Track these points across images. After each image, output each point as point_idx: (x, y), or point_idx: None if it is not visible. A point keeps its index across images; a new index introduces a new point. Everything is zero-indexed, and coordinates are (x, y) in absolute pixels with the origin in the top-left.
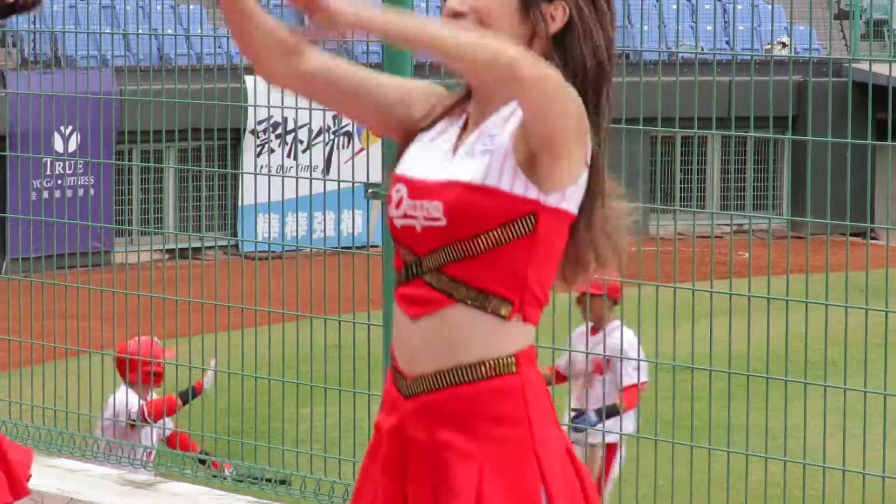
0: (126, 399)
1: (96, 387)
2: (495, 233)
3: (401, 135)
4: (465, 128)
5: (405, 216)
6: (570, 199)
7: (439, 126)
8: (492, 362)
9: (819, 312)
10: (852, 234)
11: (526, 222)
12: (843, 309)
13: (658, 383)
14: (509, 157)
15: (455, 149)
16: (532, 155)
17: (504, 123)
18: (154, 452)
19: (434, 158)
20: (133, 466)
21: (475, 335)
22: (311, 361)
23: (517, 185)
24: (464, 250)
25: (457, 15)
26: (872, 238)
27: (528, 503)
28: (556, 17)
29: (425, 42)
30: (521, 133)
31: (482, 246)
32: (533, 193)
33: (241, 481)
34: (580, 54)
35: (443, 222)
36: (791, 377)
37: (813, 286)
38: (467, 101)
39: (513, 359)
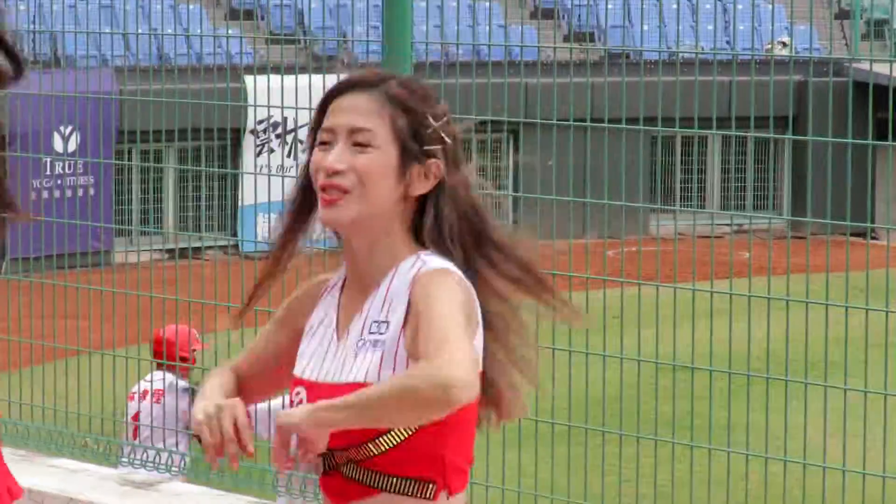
0: (175, 379)
1: (96, 387)
2: (401, 427)
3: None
4: (341, 301)
5: None
6: None
7: (317, 311)
8: None
9: (819, 312)
10: (853, 234)
11: None
12: (843, 309)
13: (658, 383)
14: (401, 350)
15: (339, 336)
16: None
17: (387, 304)
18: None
19: (324, 353)
20: (163, 472)
21: None
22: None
23: None
24: (376, 447)
25: (335, 173)
26: (873, 238)
27: None
28: (430, 176)
29: (390, 401)
30: (415, 339)
31: (392, 441)
32: None
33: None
34: (446, 210)
35: None
36: (791, 377)
37: (813, 286)
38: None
39: None
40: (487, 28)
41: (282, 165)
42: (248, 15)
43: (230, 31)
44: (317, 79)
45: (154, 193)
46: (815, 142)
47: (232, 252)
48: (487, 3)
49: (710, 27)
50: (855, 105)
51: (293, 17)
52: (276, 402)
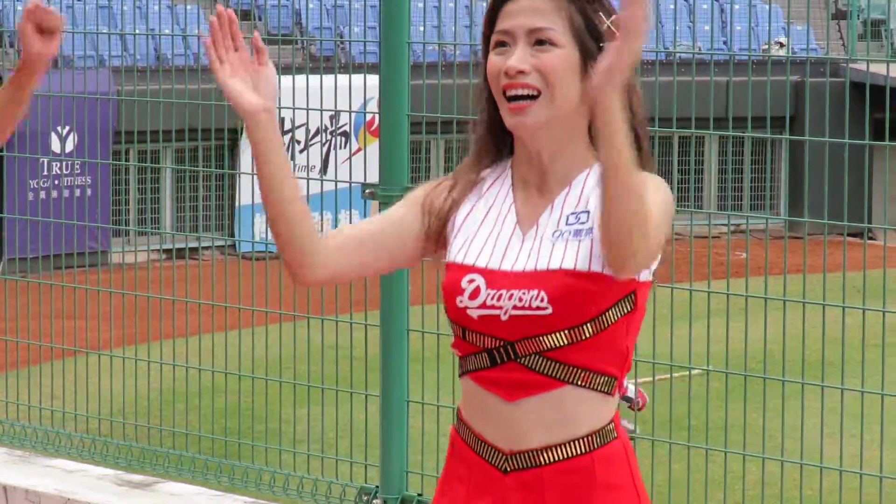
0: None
1: (94, 387)
2: (602, 317)
3: (437, 242)
4: (516, 199)
5: (484, 306)
6: (652, 267)
7: (479, 204)
8: (599, 432)
9: (816, 313)
10: (850, 235)
11: (627, 302)
12: (840, 309)
13: (655, 383)
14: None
15: (525, 230)
16: None
17: (584, 199)
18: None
19: (505, 244)
20: None
21: (584, 412)
22: (308, 362)
23: None
24: (571, 337)
25: (519, 73)
26: (870, 238)
27: None
28: None
29: (621, 146)
30: None
31: (590, 331)
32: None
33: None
34: (630, 106)
35: (548, 311)
36: (788, 377)
37: (810, 286)
38: (497, 164)
39: (612, 424)
40: None
41: None
42: (246, 15)
43: None
44: (314, 79)
45: (151, 194)
46: (812, 142)
47: (229, 252)
48: (484, 4)
49: (707, 27)
50: (852, 105)
51: (290, 18)
52: None
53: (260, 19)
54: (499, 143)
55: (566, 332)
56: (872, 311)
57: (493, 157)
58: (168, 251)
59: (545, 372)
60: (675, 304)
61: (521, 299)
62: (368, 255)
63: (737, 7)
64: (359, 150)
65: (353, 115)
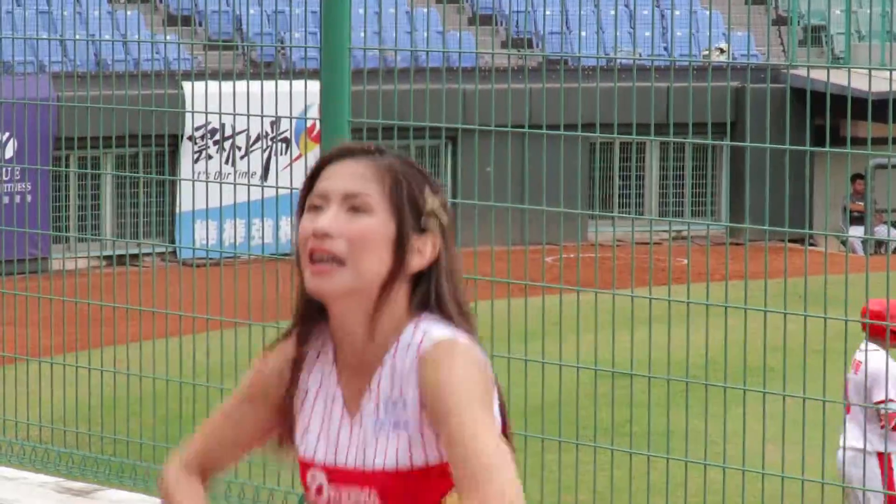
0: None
1: (34, 394)
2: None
3: (282, 423)
4: (340, 376)
5: (329, 502)
6: None
7: (308, 384)
8: None
9: (758, 319)
10: (791, 241)
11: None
12: (781, 315)
13: (597, 390)
14: (427, 430)
15: (351, 413)
16: None
17: (397, 384)
18: None
19: (336, 434)
20: None
21: None
22: (249, 368)
23: (440, 452)
24: None
25: (325, 236)
26: (811, 244)
27: None
28: (425, 252)
29: None
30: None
31: None
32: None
33: None
34: (445, 285)
35: None
36: (730, 383)
37: (752, 293)
38: (317, 329)
39: None
40: (425, 34)
41: (220, 172)
42: (186, 21)
43: (168, 37)
44: (255, 85)
45: (91, 200)
46: (753, 148)
47: (170, 259)
48: (425, 10)
49: (648, 34)
50: (792, 111)
51: (231, 24)
52: None
53: (200, 25)
54: (317, 309)
55: None
56: (814, 318)
57: (312, 321)
58: (109, 258)
59: None
60: (617, 311)
61: (357, 498)
62: (228, 459)
63: (677, 13)
64: (300, 156)
65: (294, 121)
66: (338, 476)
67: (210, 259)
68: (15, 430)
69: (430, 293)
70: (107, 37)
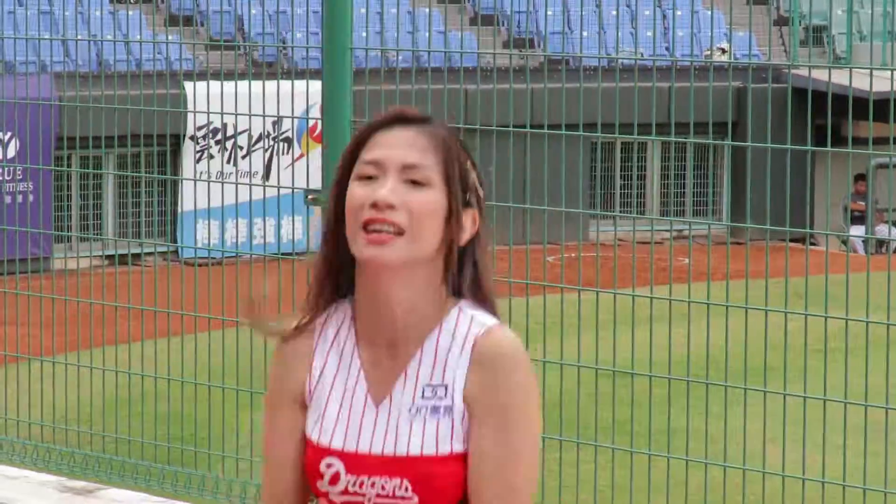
0: None
1: (36, 394)
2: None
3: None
4: (364, 360)
5: (346, 492)
6: None
7: (328, 361)
8: None
9: (759, 318)
10: (792, 240)
11: None
12: (782, 315)
13: (598, 389)
14: (466, 421)
15: (377, 400)
16: None
17: (439, 370)
18: None
19: (359, 420)
20: None
21: None
22: (250, 368)
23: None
24: None
25: (388, 207)
26: (812, 244)
27: None
28: (467, 227)
29: None
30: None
31: None
32: None
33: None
34: (486, 263)
35: (413, 500)
36: (731, 383)
37: (753, 292)
38: (333, 306)
39: None
40: (427, 34)
41: (221, 172)
42: (188, 21)
43: (170, 38)
44: (256, 85)
45: (93, 200)
46: (754, 148)
47: (172, 258)
48: (427, 10)
49: (650, 34)
50: (794, 111)
51: (233, 24)
52: None
53: (202, 25)
54: (337, 286)
55: None
56: (814, 317)
57: (330, 300)
58: (110, 257)
59: None
60: (618, 310)
61: (383, 487)
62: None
63: (679, 13)
64: (301, 155)
65: (296, 120)
66: (360, 464)
67: (212, 259)
68: (17, 429)
69: (468, 270)
70: (108, 37)
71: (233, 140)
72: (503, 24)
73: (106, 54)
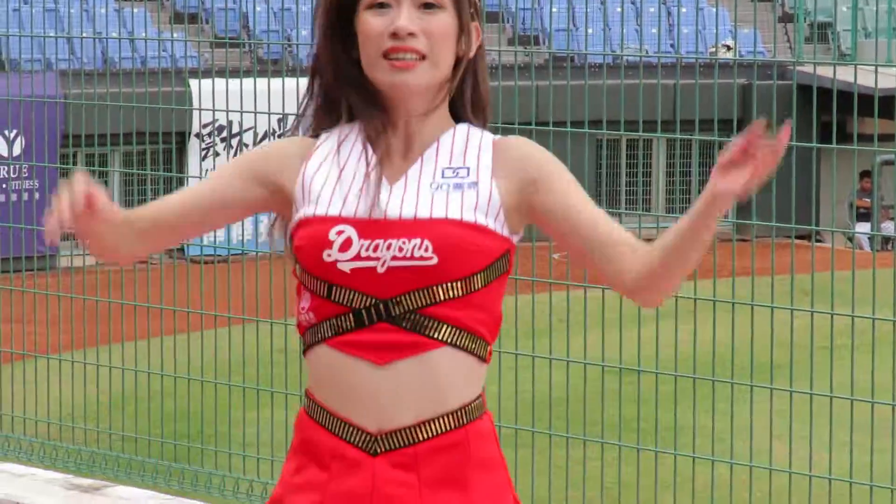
0: None
1: (43, 391)
2: (485, 272)
3: (277, 202)
4: (376, 156)
5: (358, 258)
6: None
7: (330, 163)
8: (471, 406)
9: (765, 315)
10: (798, 237)
11: (504, 261)
12: (788, 312)
13: (605, 386)
14: (494, 199)
15: (392, 181)
16: (524, 212)
17: (457, 155)
18: None
19: (372, 193)
20: None
21: (458, 378)
22: (257, 365)
23: (497, 225)
24: (454, 290)
25: (409, 35)
26: (818, 241)
27: None
28: (473, 38)
29: (704, 249)
30: (532, 208)
31: (480, 282)
32: (507, 233)
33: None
34: (481, 75)
35: (433, 261)
36: (737, 380)
37: (759, 289)
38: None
39: (481, 399)
40: None
41: None
42: (193, 18)
43: (175, 35)
44: (261, 82)
45: None
46: None
47: (178, 256)
48: None
49: (655, 30)
50: (799, 108)
51: (238, 21)
52: None
53: (207, 22)
54: (335, 113)
55: (448, 284)
56: (820, 314)
57: (328, 126)
58: None
59: (422, 331)
60: (624, 308)
61: (400, 249)
62: (181, 232)
63: (684, 10)
64: None
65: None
66: (375, 227)
67: (218, 256)
68: (23, 426)
69: (468, 82)
70: (114, 34)
71: (238, 137)
72: (508, 21)
73: (111, 52)
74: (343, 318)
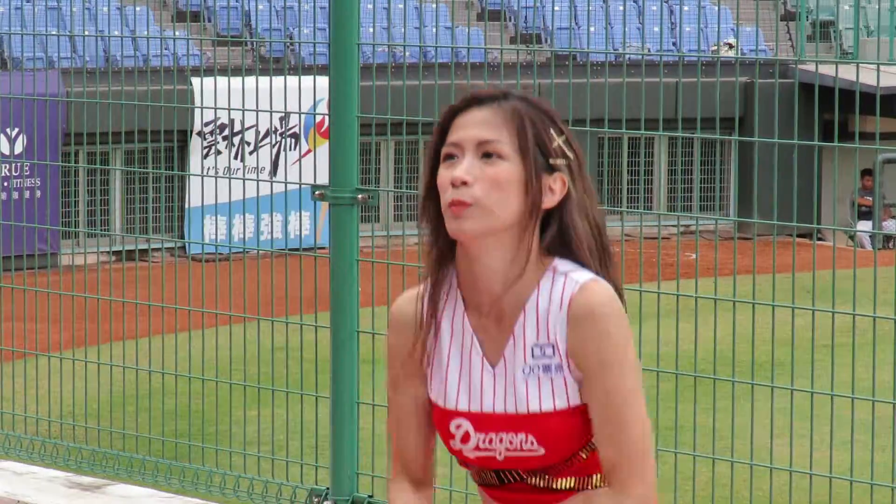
0: None
1: (43, 389)
2: (588, 443)
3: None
4: (475, 328)
5: (478, 449)
6: None
7: (442, 333)
8: None
9: (766, 313)
10: (799, 236)
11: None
12: (789, 310)
13: None
14: (573, 378)
15: (493, 362)
16: None
17: (542, 329)
18: None
19: (479, 382)
20: None
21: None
22: (258, 363)
23: (579, 395)
24: (570, 464)
25: (463, 184)
26: (819, 239)
27: None
28: (556, 190)
29: None
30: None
31: (585, 455)
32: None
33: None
34: (578, 221)
35: (541, 452)
36: (738, 378)
37: (760, 287)
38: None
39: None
40: (434, 30)
41: (229, 167)
42: (195, 17)
43: (177, 33)
44: (263, 81)
45: (101, 195)
46: (761, 143)
47: (179, 254)
48: (434, 5)
49: (657, 29)
50: (801, 106)
51: (240, 19)
52: None
53: (209, 21)
54: (445, 260)
55: (561, 463)
56: (822, 312)
57: (440, 275)
58: (118, 253)
59: (550, 487)
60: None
61: (511, 442)
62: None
63: (686, 8)
64: (309, 151)
65: (303, 116)
66: (486, 422)
67: (219, 254)
68: (24, 425)
69: (560, 230)
70: (116, 33)
71: (240, 136)
72: (510, 20)
73: (113, 50)
74: (487, 473)
